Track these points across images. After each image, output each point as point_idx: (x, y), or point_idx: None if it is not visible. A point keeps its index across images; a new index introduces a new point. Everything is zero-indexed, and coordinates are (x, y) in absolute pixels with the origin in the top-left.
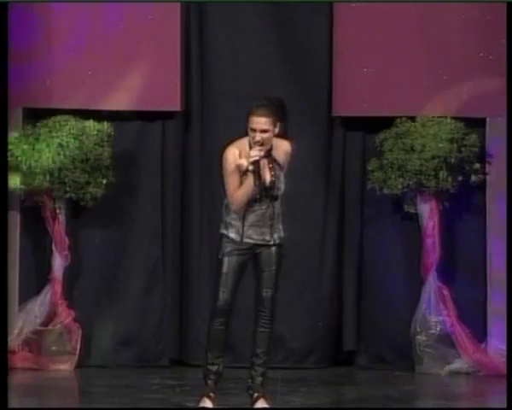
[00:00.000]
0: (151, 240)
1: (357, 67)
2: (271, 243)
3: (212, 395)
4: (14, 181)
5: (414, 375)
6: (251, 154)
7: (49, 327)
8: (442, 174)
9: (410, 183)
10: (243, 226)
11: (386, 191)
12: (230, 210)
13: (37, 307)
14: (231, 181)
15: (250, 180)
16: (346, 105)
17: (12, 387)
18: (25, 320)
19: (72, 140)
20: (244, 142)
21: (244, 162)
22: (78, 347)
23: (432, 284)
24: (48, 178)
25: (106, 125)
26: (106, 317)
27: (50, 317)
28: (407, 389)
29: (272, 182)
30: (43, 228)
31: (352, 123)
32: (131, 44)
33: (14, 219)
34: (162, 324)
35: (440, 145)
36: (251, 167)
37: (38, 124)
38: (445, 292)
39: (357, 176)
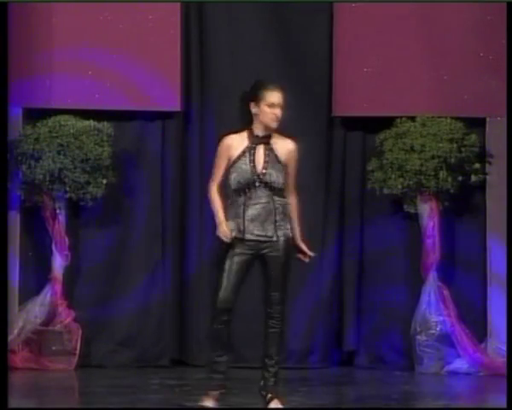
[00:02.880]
0: (151, 240)
1: (358, 67)
2: (274, 239)
3: (215, 394)
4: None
5: (414, 375)
6: (223, 233)
7: (49, 327)
8: (442, 174)
9: (410, 183)
10: (244, 221)
11: (386, 191)
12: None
13: (38, 307)
14: (217, 164)
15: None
16: (346, 105)
17: (12, 387)
18: (25, 320)
19: (73, 140)
20: (243, 134)
21: (225, 234)
22: (78, 347)
23: (432, 283)
24: (48, 177)
25: (106, 125)
26: (106, 317)
27: (50, 317)
28: (407, 389)
29: (264, 167)
30: (43, 228)
31: (351, 123)
32: (131, 44)
33: (15, 219)
34: (162, 324)
35: (440, 145)
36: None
37: (38, 124)
38: (445, 292)
39: (357, 176)
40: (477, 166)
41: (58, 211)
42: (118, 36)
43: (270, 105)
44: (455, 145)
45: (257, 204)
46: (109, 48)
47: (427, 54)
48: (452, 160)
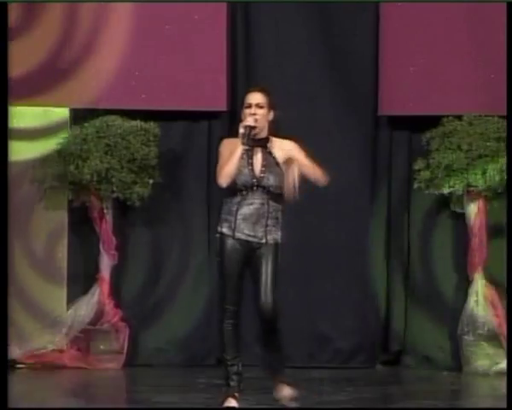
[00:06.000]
0: (197, 239)
1: (404, 66)
2: (263, 241)
3: (236, 395)
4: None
5: (461, 375)
6: (244, 121)
7: (97, 326)
8: (489, 173)
9: (457, 182)
10: (236, 219)
11: (432, 191)
12: (220, 184)
13: (85, 307)
14: (223, 157)
15: (238, 152)
16: (392, 104)
17: (60, 386)
18: (73, 319)
19: (120, 140)
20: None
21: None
22: (126, 346)
23: (479, 283)
24: (95, 177)
25: (152, 126)
26: (153, 316)
27: (98, 316)
28: (454, 389)
29: (262, 171)
30: (90, 228)
31: (398, 122)
32: (177, 45)
33: (62, 219)
34: (209, 323)
35: (488, 144)
36: (241, 130)
37: (86, 124)
38: (492, 292)
39: (404, 175)
40: None
41: (105, 211)
42: (164, 36)
43: (247, 106)
44: (502, 144)
45: (251, 205)
46: (155, 48)
47: (473, 52)
48: (500, 159)
